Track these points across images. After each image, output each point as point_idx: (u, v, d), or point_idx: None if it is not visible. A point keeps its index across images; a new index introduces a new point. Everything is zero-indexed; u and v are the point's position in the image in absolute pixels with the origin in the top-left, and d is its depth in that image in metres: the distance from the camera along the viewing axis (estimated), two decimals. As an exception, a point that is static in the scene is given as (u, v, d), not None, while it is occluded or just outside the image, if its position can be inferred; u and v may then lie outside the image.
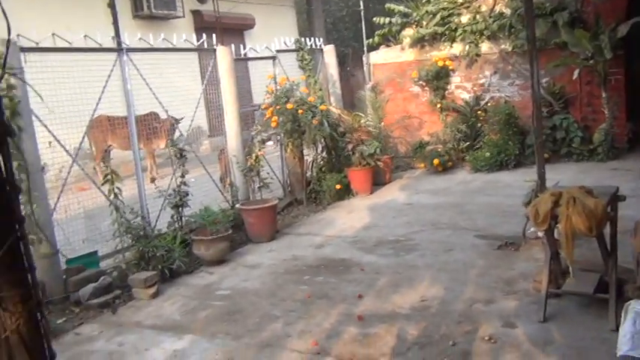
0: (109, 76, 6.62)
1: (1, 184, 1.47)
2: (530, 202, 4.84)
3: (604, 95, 9.75)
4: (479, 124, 10.82)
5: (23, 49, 5.65)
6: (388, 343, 4.36)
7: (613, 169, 9.13)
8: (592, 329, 4.21)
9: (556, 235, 4.59)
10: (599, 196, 4.32)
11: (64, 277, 5.81)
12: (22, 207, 5.26)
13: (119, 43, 6.95)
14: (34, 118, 5.75)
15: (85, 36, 6.45)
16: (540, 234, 5.44)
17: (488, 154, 10.07)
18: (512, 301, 4.87)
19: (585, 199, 4.18)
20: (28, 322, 1.41)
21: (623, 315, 3.14)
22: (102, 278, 5.83)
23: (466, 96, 11.13)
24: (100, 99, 6.49)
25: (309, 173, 9.45)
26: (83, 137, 6.70)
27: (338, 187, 9.03)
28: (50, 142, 6.38)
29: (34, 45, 5.81)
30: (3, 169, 1.50)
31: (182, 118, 8.72)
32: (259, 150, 8.36)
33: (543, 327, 4.34)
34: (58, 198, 6.12)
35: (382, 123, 11.06)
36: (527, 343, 4.13)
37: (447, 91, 11.27)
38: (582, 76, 9.94)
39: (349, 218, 8.14)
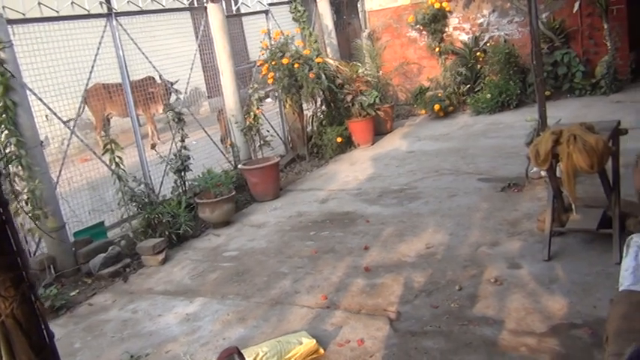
0: (100, 42, 6.53)
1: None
2: (532, 142, 4.80)
3: (605, 27, 9.52)
4: (479, 66, 10.63)
5: (10, 22, 5.55)
6: (395, 292, 4.41)
7: (617, 101, 9.00)
8: (596, 264, 4.24)
9: (558, 174, 4.57)
10: (601, 132, 4.27)
11: (74, 249, 5.88)
12: (24, 183, 5.35)
13: (108, 9, 6.80)
14: (28, 92, 5.69)
15: (72, 2, 6.33)
16: (543, 173, 5.42)
17: (489, 95, 9.94)
18: (517, 241, 4.89)
19: (586, 135, 4.13)
20: (22, 305, 1.42)
21: (625, 249, 3.13)
22: (110, 248, 5.89)
23: (465, 37, 10.90)
24: (93, 67, 6.42)
25: (309, 128, 9.39)
26: (80, 108, 6.65)
27: (339, 140, 8.99)
28: (47, 116, 6.36)
29: (21, 17, 5.71)
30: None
31: (177, 81, 8.61)
32: (257, 108, 8.29)
33: (548, 265, 4.38)
34: (60, 171, 6.13)
35: (380, 71, 10.92)
36: (533, 283, 4.17)
37: (445, 34, 11.03)
38: (583, 8, 9.69)
39: (352, 170, 8.13)
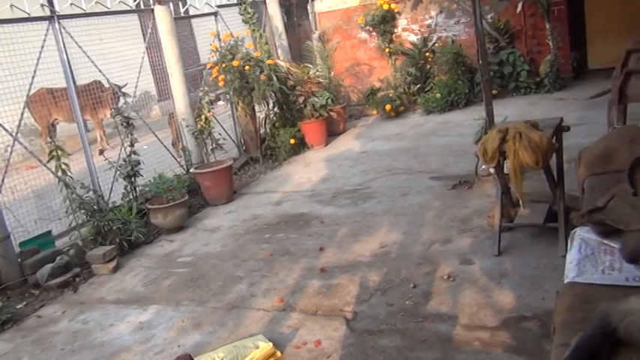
0: (42, 46, 6.31)
1: None
2: (480, 140, 4.91)
3: (547, 27, 9.86)
4: (428, 66, 10.82)
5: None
6: (351, 292, 4.44)
7: (560, 99, 9.32)
8: (544, 257, 4.37)
9: (505, 171, 4.68)
10: (545, 129, 4.40)
11: (19, 260, 5.67)
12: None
13: (51, 11, 6.59)
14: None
15: (12, 5, 6.10)
16: (491, 170, 5.55)
17: (438, 95, 10.12)
18: (468, 238, 5.00)
19: (530, 133, 4.25)
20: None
21: (569, 242, 3.24)
22: (59, 258, 5.70)
23: (414, 38, 11.07)
24: (35, 72, 6.20)
25: (262, 130, 9.35)
26: (22, 113, 6.42)
27: (292, 141, 8.98)
28: (-13, 123, 6.11)
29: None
30: None
31: (125, 85, 8.44)
32: (208, 111, 8.19)
33: (498, 260, 4.48)
34: (3, 179, 5.90)
35: (332, 72, 10.96)
36: (484, 278, 4.26)
37: (394, 35, 11.18)
38: (525, 8, 10.02)
39: (306, 172, 8.14)
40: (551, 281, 3.94)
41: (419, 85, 10.76)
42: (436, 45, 10.78)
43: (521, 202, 4.76)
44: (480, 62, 6.13)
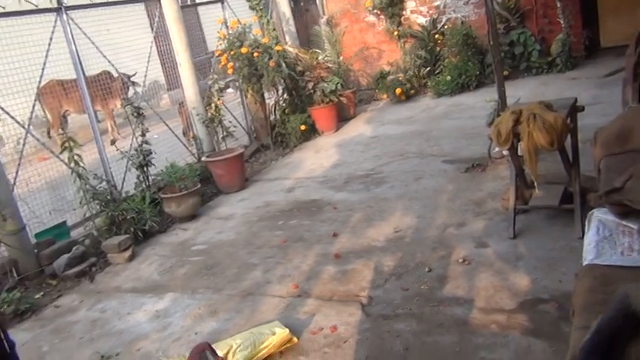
0: (51, 38, 6.32)
1: None
2: (493, 122, 4.86)
3: (559, 5, 9.68)
4: (438, 48, 10.71)
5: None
6: (366, 277, 4.44)
7: (572, 78, 9.20)
8: (560, 239, 4.34)
9: (519, 152, 4.64)
10: (559, 109, 4.35)
11: (36, 251, 5.72)
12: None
13: (58, 2, 6.58)
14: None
15: (20, -3, 6.11)
16: (505, 153, 5.50)
17: (449, 77, 10.04)
18: (483, 221, 4.97)
19: (545, 113, 4.20)
20: (-18, 316, 1.37)
21: (587, 224, 3.22)
22: (75, 248, 5.76)
23: (422, 20, 10.95)
24: (44, 64, 6.22)
25: (272, 117, 9.33)
26: (34, 106, 6.44)
27: (303, 127, 8.95)
28: (-1, 116, 6.15)
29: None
30: None
31: (134, 74, 8.45)
32: (218, 99, 8.18)
33: (514, 243, 4.46)
34: (17, 172, 5.94)
35: (341, 57, 10.89)
36: (500, 261, 4.24)
37: (402, 18, 11.07)
38: (536, -13, 9.87)
39: (317, 158, 8.12)
40: (568, 263, 3.91)
41: (429, 68, 10.67)
42: (445, 27, 10.66)
43: (535, 184, 4.71)
44: (491, 43, 6.06)
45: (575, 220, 4.34)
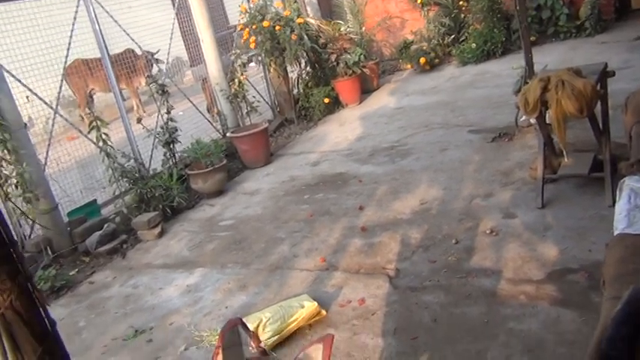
0: (75, 18, 6.36)
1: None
2: (520, 90, 4.77)
3: (587, -34, 9.38)
4: (462, 15, 10.50)
5: (-21, 3, 5.39)
6: (393, 250, 4.45)
7: (602, 42, 8.95)
8: (590, 208, 4.27)
9: (548, 120, 4.55)
10: (588, 75, 4.24)
11: (69, 229, 5.86)
12: (11, 167, 5.29)
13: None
14: (5, 74, 5.57)
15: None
16: (533, 121, 5.40)
17: (474, 45, 9.84)
18: (511, 191, 4.92)
19: (573, 80, 4.10)
20: (21, 296, 1.41)
21: (617, 192, 3.15)
22: (106, 225, 5.88)
23: (446, -13, 10.71)
24: (69, 44, 6.28)
25: (295, 90, 9.30)
26: (61, 86, 6.53)
27: (326, 100, 8.91)
28: (27, 97, 6.25)
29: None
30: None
31: (158, 52, 8.47)
32: (241, 74, 8.17)
33: (542, 213, 4.41)
34: (47, 152, 6.06)
35: (363, 28, 10.75)
36: (528, 231, 4.21)
37: (425, -16, 10.85)
38: (563, -52, 9.54)
39: (341, 131, 8.09)
40: (598, 232, 3.86)
41: (453, 36, 10.47)
42: (470, -8, 10.41)
43: (564, 153, 4.64)
44: (517, 8, 5.92)
45: (605, 188, 4.26)
